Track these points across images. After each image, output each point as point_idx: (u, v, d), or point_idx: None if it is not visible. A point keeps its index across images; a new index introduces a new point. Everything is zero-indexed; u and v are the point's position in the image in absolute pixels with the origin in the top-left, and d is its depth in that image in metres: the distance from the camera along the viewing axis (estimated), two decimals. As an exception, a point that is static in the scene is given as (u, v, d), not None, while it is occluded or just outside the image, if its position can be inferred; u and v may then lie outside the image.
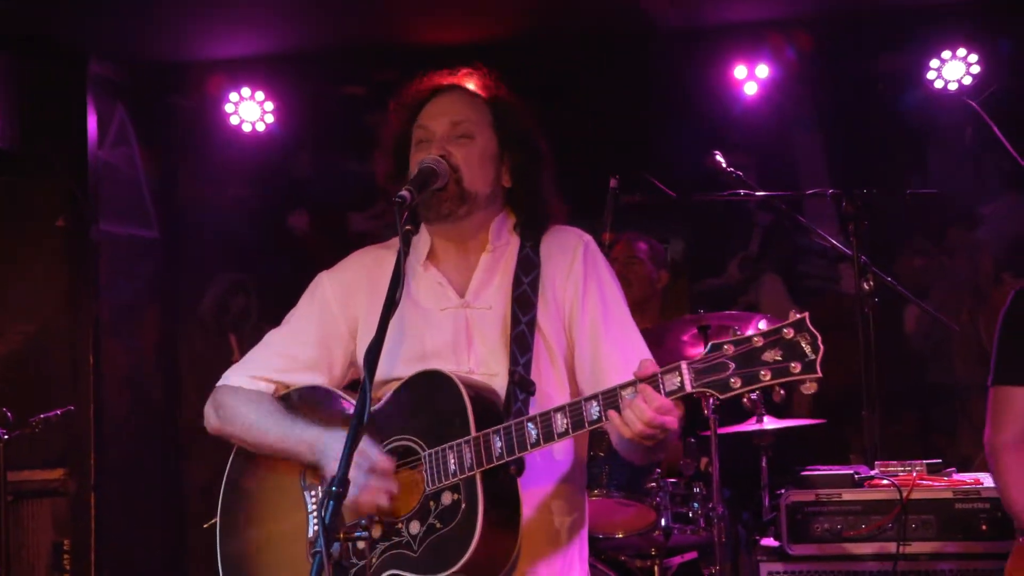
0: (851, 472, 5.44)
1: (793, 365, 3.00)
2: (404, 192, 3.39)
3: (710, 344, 3.12)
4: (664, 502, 6.02)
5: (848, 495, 5.33)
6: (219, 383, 3.83)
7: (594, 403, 3.23)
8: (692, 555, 6.46)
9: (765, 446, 6.61)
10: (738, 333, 3.09)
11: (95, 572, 7.61)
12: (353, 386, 3.83)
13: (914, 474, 5.38)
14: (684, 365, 3.13)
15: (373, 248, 3.89)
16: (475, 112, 3.72)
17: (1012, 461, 4.47)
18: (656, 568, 6.24)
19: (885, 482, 5.34)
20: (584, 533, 3.76)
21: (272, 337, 3.86)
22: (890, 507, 5.25)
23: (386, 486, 3.38)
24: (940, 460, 5.61)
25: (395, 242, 3.57)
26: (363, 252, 3.89)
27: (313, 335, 3.78)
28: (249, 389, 3.76)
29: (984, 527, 5.18)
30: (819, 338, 3.00)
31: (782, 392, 3.06)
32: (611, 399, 3.21)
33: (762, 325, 3.10)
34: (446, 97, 3.75)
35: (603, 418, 3.21)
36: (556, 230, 3.79)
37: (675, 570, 6.42)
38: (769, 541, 5.60)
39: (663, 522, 5.99)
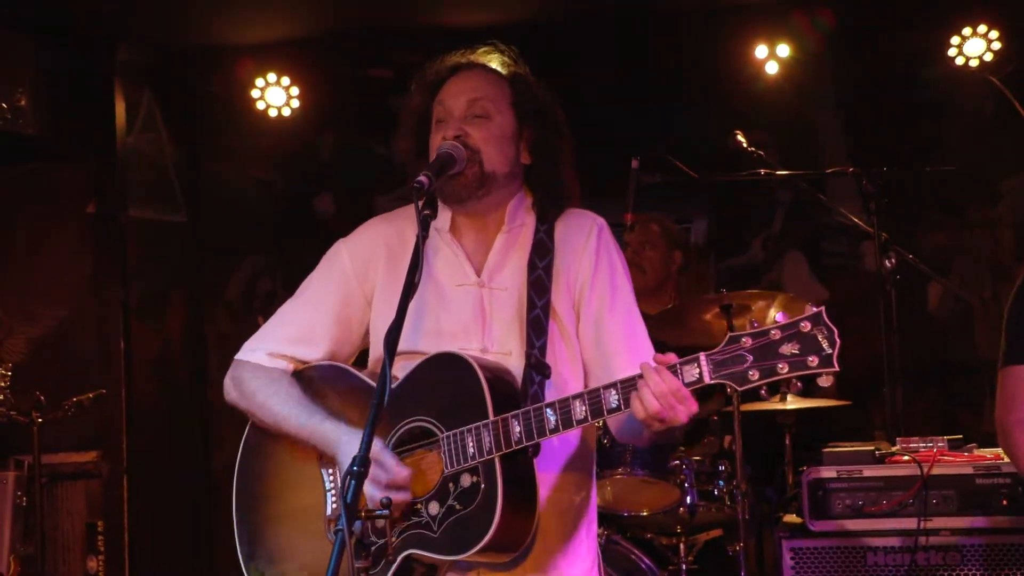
0: (872, 448, 5.47)
1: (811, 359, 3.03)
2: (422, 178, 3.42)
3: (728, 336, 3.14)
4: (689, 480, 6.06)
5: (869, 471, 5.34)
6: (238, 356, 3.83)
7: (613, 391, 3.26)
8: (717, 532, 6.50)
9: (788, 424, 6.64)
10: (755, 325, 3.13)
11: (128, 553, 7.70)
12: (363, 359, 3.86)
13: (935, 450, 5.40)
14: (703, 356, 3.15)
15: (389, 216, 3.87)
16: (493, 90, 3.72)
17: None
18: (681, 545, 6.27)
19: (906, 458, 5.36)
20: (593, 513, 3.80)
21: (289, 309, 3.85)
22: (911, 483, 5.27)
23: (401, 497, 3.44)
24: (961, 436, 5.63)
25: (408, 211, 3.65)
26: (380, 220, 3.87)
27: (331, 305, 3.77)
28: (269, 367, 3.76)
29: (1005, 502, 5.19)
30: (836, 332, 3.03)
31: (799, 384, 3.09)
32: (630, 387, 3.23)
33: (778, 317, 3.11)
34: (465, 76, 3.76)
35: (621, 406, 3.24)
36: (571, 213, 3.80)
37: (700, 547, 6.46)
38: (792, 518, 5.63)
39: (688, 500, 6.03)
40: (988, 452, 5.42)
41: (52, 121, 7.63)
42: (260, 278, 8.92)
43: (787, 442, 6.60)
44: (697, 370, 3.16)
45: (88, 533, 7.65)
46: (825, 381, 3.06)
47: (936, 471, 5.26)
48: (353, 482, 2.99)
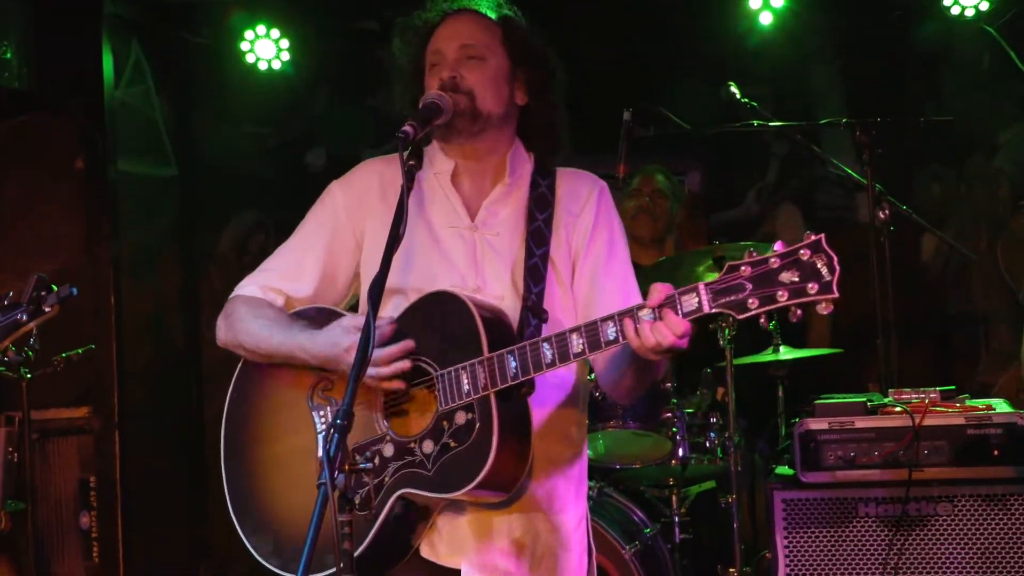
0: (864, 400, 5.45)
1: (810, 286, 3.03)
2: (407, 128, 3.43)
3: (727, 265, 3.14)
4: (681, 432, 6.06)
5: (861, 423, 5.31)
6: (232, 294, 3.88)
7: (610, 323, 3.27)
8: (709, 484, 6.51)
9: (781, 376, 6.63)
10: (754, 255, 3.12)
11: (121, 508, 7.68)
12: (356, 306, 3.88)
13: (927, 401, 5.38)
14: (702, 286, 3.16)
15: (383, 159, 3.90)
16: (486, 34, 3.75)
17: None
18: (674, 497, 6.29)
19: (898, 409, 5.34)
20: (584, 455, 3.83)
21: (282, 248, 3.91)
22: (903, 434, 5.24)
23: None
24: (954, 387, 5.61)
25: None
26: (373, 162, 3.90)
27: (320, 241, 3.81)
28: (259, 298, 3.80)
29: (996, 452, 5.17)
30: (835, 259, 3.03)
31: (799, 313, 3.08)
32: (627, 319, 3.24)
33: (777, 247, 3.10)
34: (455, 20, 3.78)
35: (619, 338, 3.25)
36: (572, 172, 3.86)
37: (692, 499, 6.47)
38: (784, 470, 5.62)
39: (680, 452, 6.05)
40: (980, 403, 5.40)
41: (38, 75, 7.56)
42: (252, 233, 8.88)
43: (779, 394, 6.61)
44: (696, 299, 3.16)
45: (81, 489, 7.63)
46: (824, 308, 3.03)
47: (928, 422, 5.23)
48: (336, 435, 2.97)
